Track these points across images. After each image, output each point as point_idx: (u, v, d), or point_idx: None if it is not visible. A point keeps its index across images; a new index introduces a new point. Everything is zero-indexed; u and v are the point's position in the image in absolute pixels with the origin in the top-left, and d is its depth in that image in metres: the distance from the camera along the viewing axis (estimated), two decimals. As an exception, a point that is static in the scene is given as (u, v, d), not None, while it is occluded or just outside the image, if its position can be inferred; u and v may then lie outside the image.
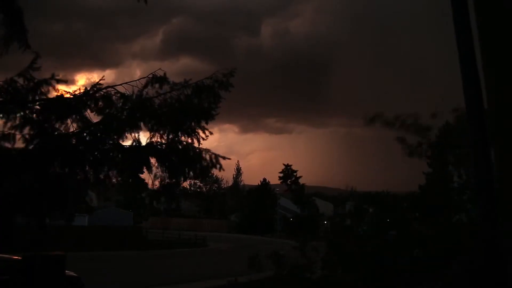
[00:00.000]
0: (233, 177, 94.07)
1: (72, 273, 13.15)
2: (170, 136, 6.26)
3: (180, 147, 6.25)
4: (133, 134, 6.23)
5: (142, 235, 43.17)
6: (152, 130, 6.23)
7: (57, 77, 5.95)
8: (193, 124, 6.22)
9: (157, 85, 6.22)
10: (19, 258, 11.95)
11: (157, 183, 6.75)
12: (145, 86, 6.23)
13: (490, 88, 2.64)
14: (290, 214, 74.09)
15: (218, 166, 6.36)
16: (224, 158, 6.36)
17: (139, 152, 6.18)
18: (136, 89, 6.26)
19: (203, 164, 6.28)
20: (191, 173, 6.34)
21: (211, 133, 6.32)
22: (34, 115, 5.91)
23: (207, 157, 6.30)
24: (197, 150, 6.25)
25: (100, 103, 6.10)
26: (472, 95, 2.91)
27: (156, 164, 6.28)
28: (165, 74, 6.28)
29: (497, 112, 2.54)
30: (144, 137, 6.40)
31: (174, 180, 6.47)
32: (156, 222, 67.89)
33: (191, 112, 6.17)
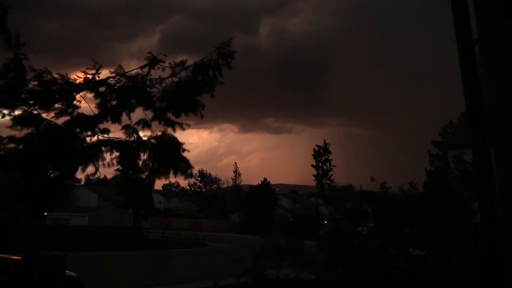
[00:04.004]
0: (232, 180, 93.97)
1: (72, 273, 13.17)
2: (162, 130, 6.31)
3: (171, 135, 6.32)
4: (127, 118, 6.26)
5: (142, 235, 43.19)
6: (146, 108, 6.26)
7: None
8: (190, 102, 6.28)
9: (155, 69, 6.26)
10: (19, 258, 11.96)
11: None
12: (148, 71, 6.25)
13: (490, 88, 2.63)
14: (290, 214, 74.13)
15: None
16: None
17: (132, 146, 6.23)
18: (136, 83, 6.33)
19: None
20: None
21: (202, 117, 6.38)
22: (30, 109, 5.94)
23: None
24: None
25: (97, 88, 6.14)
26: (472, 94, 2.91)
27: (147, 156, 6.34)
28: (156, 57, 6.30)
29: (497, 111, 2.53)
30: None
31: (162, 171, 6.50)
32: (156, 222, 67.90)
33: (189, 89, 6.21)
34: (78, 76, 6.13)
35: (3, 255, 12.39)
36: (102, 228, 38.99)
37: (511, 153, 2.49)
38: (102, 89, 6.19)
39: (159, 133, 6.36)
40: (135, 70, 6.31)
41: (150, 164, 6.36)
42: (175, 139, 6.35)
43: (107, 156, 6.35)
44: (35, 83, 5.97)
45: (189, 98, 6.25)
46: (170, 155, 6.30)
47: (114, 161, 6.39)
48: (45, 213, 44.49)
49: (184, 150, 6.37)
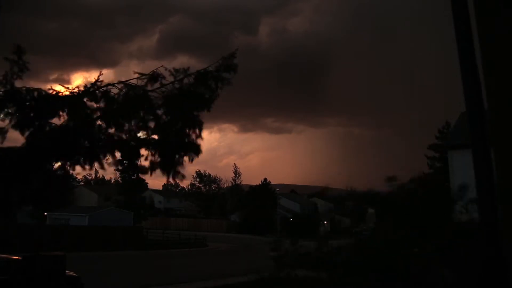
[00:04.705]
0: (232, 180, 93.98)
1: (72, 273, 13.17)
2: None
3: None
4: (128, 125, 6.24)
5: (142, 235, 43.19)
6: (147, 119, 6.23)
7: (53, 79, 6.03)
8: (194, 113, 6.23)
9: (156, 83, 6.24)
10: (19, 258, 11.96)
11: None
12: (147, 82, 6.24)
13: (490, 88, 2.64)
14: (290, 214, 74.17)
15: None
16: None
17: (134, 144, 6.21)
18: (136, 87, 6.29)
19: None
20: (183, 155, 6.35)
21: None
22: (32, 114, 5.94)
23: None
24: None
25: (99, 99, 6.12)
26: (472, 94, 2.91)
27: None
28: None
29: (497, 111, 2.54)
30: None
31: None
32: (156, 222, 67.94)
33: (191, 99, 6.18)
34: (78, 89, 6.13)
35: (3, 255, 12.38)
36: (102, 228, 38.98)
37: (511, 153, 2.49)
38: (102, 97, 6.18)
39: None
40: (135, 80, 6.28)
41: (152, 158, 6.31)
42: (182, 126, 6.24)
43: (108, 157, 6.34)
44: (34, 93, 5.98)
45: (192, 109, 6.24)
46: (174, 146, 6.24)
47: (114, 161, 6.38)
48: (45, 213, 44.54)
49: (192, 136, 6.27)
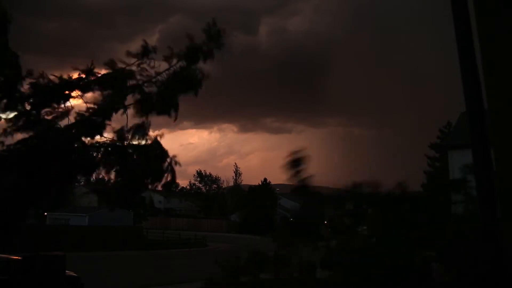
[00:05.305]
0: (233, 179, 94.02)
1: (72, 273, 13.17)
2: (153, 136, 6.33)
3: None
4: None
5: (142, 235, 43.17)
6: (140, 107, 6.26)
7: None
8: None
9: (148, 61, 6.27)
10: (19, 258, 11.96)
11: None
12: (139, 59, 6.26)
13: (490, 88, 2.63)
14: (290, 214, 74.19)
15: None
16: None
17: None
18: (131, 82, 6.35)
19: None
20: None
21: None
22: (27, 106, 5.95)
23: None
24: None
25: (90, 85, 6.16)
26: (472, 94, 2.91)
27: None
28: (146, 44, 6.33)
29: (497, 111, 2.53)
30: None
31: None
32: (156, 222, 67.89)
33: (182, 82, 6.24)
34: (72, 77, 6.14)
35: (3, 255, 12.38)
36: (102, 228, 38.96)
37: (511, 153, 2.49)
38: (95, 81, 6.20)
39: (150, 142, 6.41)
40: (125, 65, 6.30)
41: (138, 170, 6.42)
42: (164, 151, 6.41)
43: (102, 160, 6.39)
44: (28, 84, 5.99)
45: (184, 90, 6.28)
46: (155, 166, 6.37)
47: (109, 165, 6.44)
48: (45, 213, 44.51)
49: (174, 162, 6.43)
